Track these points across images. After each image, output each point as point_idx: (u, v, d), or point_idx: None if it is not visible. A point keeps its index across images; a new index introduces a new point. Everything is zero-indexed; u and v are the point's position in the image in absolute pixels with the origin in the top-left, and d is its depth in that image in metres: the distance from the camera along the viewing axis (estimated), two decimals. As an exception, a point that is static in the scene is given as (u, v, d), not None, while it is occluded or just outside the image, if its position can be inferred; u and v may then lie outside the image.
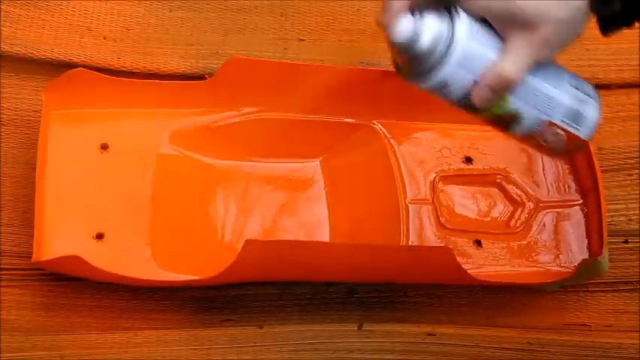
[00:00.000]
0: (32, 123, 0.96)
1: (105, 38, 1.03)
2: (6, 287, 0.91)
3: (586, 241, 1.01)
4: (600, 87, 1.06)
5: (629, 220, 1.03)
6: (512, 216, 1.02)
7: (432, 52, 0.69)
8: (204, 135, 0.98)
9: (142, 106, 0.97)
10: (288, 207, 1.00)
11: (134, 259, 0.92)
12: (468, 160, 1.04)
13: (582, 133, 0.74)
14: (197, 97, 0.97)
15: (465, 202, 1.02)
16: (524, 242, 1.01)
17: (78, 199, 0.93)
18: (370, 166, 1.02)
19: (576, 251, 1.00)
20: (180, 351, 0.91)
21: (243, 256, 0.84)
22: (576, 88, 0.74)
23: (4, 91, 0.98)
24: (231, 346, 0.92)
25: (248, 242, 0.84)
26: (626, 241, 1.02)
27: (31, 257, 0.87)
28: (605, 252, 0.94)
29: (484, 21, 0.70)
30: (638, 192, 1.04)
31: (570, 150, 0.76)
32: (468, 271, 0.92)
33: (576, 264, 0.98)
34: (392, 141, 1.03)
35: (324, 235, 0.99)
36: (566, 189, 1.03)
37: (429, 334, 0.96)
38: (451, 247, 0.97)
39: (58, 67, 0.98)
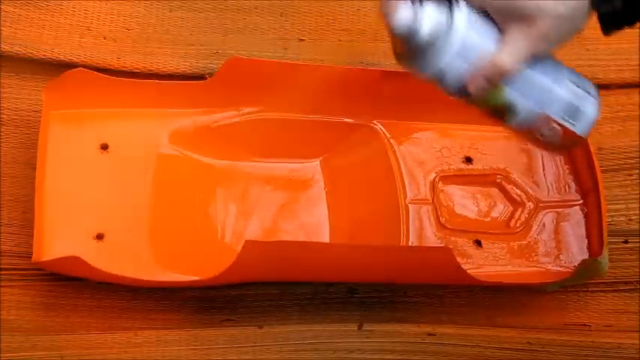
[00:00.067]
0: (32, 123, 0.97)
1: (105, 38, 1.03)
2: (6, 287, 0.91)
3: (586, 241, 1.01)
4: (600, 87, 1.06)
5: (629, 220, 1.03)
6: (512, 216, 1.02)
7: (430, 41, 0.70)
8: (205, 135, 0.98)
9: (142, 106, 0.97)
10: (288, 207, 1.00)
11: (134, 260, 0.92)
12: (468, 160, 1.04)
13: (579, 129, 0.75)
14: (197, 97, 0.97)
15: (465, 202, 1.02)
16: (524, 242, 1.01)
17: (78, 199, 0.93)
18: (370, 166, 1.02)
19: (576, 251, 1.00)
20: (180, 351, 0.91)
21: (242, 256, 0.84)
22: (575, 85, 0.74)
23: (4, 91, 0.98)
24: (231, 346, 0.92)
25: (248, 243, 0.84)
26: (626, 241, 1.02)
27: (31, 257, 0.87)
28: (605, 252, 0.94)
29: (483, 11, 0.70)
30: (638, 192, 1.04)
31: (566, 145, 0.77)
32: (468, 271, 0.92)
33: (576, 264, 0.98)
34: (392, 141, 1.03)
35: (324, 236, 0.99)
36: (566, 189, 1.03)
37: (429, 334, 0.96)
38: (451, 247, 0.97)
39: (58, 67, 0.98)
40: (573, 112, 0.74)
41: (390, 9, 0.69)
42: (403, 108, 1.02)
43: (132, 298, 0.93)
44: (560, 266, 1.00)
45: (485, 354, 0.95)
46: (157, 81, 0.98)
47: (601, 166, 1.00)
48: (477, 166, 1.04)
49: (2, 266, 0.92)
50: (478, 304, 1.00)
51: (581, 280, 1.00)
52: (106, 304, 0.93)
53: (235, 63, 0.95)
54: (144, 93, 0.96)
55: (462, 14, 0.70)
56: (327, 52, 1.06)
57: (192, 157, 0.99)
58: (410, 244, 0.98)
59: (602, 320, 1.00)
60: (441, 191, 1.02)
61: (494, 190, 1.03)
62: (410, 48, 0.71)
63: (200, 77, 1.01)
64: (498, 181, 1.03)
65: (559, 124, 0.74)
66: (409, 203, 1.00)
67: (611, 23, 0.70)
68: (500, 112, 0.74)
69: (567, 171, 1.03)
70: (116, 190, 0.94)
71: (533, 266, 1.00)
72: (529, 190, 1.02)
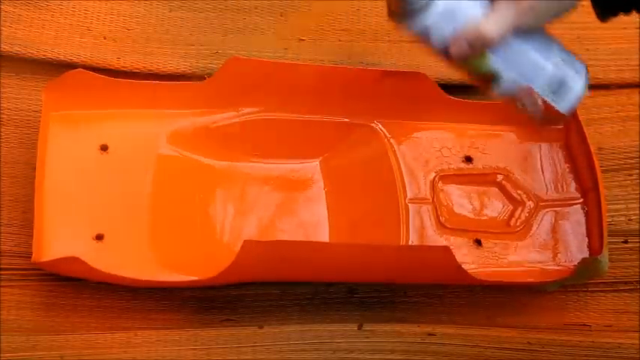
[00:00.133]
0: (32, 123, 0.97)
1: (105, 38, 1.03)
2: (6, 287, 0.91)
3: (586, 240, 1.00)
4: (600, 87, 1.08)
5: (629, 220, 1.03)
6: (512, 215, 1.02)
7: (425, 5, 0.73)
8: (204, 135, 0.98)
9: (141, 107, 0.97)
10: (288, 207, 1.00)
11: (134, 260, 0.91)
12: (468, 159, 1.04)
13: (561, 106, 0.77)
14: (196, 97, 0.97)
15: (465, 201, 1.02)
16: (524, 241, 1.00)
17: (77, 200, 0.93)
18: (370, 165, 1.02)
19: (576, 250, 1.00)
20: (180, 351, 0.91)
21: (241, 256, 0.84)
22: (563, 62, 0.76)
23: (4, 91, 0.98)
24: (231, 346, 0.92)
25: (246, 243, 0.84)
26: (626, 241, 1.02)
27: (31, 257, 0.87)
28: (605, 251, 0.94)
29: None
30: (638, 192, 1.04)
31: (548, 120, 0.79)
32: (468, 270, 0.92)
33: (576, 263, 0.98)
34: (392, 141, 1.02)
35: (323, 235, 0.99)
36: (567, 188, 1.03)
37: (429, 334, 0.95)
38: (451, 246, 0.97)
39: (58, 67, 0.98)
40: (557, 87, 0.76)
41: None
42: (403, 108, 1.02)
43: (132, 298, 0.93)
44: (561, 265, 1.00)
45: (485, 354, 0.95)
46: (156, 82, 0.98)
47: (601, 166, 1.00)
48: (477, 165, 1.04)
49: (2, 266, 0.92)
50: (478, 304, 1.00)
51: (582, 280, 1.00)
52: (106, 304, 0.93)
53: (235, 63, 0.95)
54: (143, 94, 0.96)
55: None
56: (327, 52, 1.06)
57: (192, 157, 0.99)
58: (410, 243, 0.98)
59: (602, 320, 1.00)
60: (441, 191, 1.02)
61: (495, 190, 1.03)
62: (403, 6, 0.73)
63: (200, 77, 1.01)
64: (498, 180, 1.03)
65: (542, 99, 0.76)
66: (409, 203, 1.00)
67: (606, 9, 0.71)
68: (484, 79, 0.77)
69: (567, 170, 1.03)
70: (116, 191, 0.94)
71: (534, 265, 0.99)
72: (529, 189, 1.02)
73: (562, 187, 1.03)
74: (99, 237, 0.92)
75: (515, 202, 1.02)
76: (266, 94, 0.98)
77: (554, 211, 1.02)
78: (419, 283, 0.99)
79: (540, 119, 0.78)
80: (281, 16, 1.07)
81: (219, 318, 0.95)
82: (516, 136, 1.05)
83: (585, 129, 1.00)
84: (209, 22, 1.06)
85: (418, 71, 0.99)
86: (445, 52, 0.75)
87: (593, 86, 0.97)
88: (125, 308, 0.93)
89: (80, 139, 0.95)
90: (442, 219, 1.00)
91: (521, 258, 0.99)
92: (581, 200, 1.02)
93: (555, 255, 1.00)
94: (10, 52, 0.99)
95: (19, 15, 1.01)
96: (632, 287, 1.01)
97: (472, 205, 1.02)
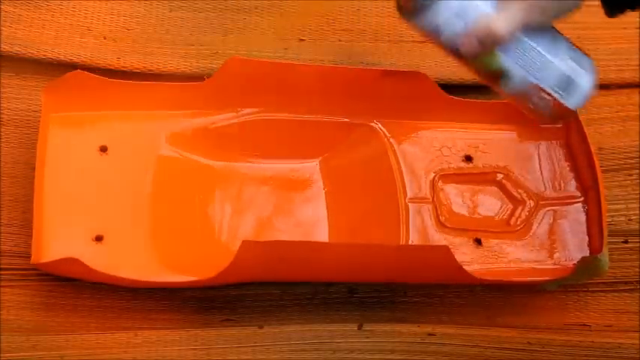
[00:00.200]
0: (32, 123, 0.97)
1: (105, 38, 1.03)
2: (6, 287, 0.91)
3: (586, 239, 1.00)
4: (600, 87, 1.08)
5: (629, 220, 1.03)
6: (512, 214, 1.02)
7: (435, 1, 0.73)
8: (204, 136, 0.98)
9: (141, 108, 0.97)
10: (287, 207, 1.00)
11: (134, 262, 0.91)
12: (468, 158, 1.04)
13: (570, 102, 0.77)
14: (196, 98, 0.97)
15: (465, 200, 1.02)
16: (524, 240, 1.00)
17: (77, 201, 0.93)
18: (370, 165, 1.02)
19: (576, 249, 1.00)
20: (181, 351, 0.91)
21: (240, 256, 0.84)
22: (572, 59, 0.77)
23: (4, 91, 0.98)
24: (231, 346, 0.92)
25: (245, 243, 0.84)
26: (626, 241, 1.02)
27: (30, 257, 0.87)
28: (606, 250, 0.94)
29: None
30: (638, 192, 1.04)
31: (557, 117, 0.80)
32: (468, 269, 0.92)
33: (576, 262, 0.98)
34: (392, 140, 1.02)
35: (323, 235, 0.99)
36: (567, 187, 1.03)
37: (429, 334, 0.95)
38: (451, 246, 0.97)
39: (59, 67, 0.98)
40: (566, 85, 0.76)
41: None
42: (403, 107, 1.01)
43: (132, 298, 0.93)
44: (561, 264, 0.99)
45: (485, 354, 0.95)
46: (155, 83, 0.98)
47: (601, 166, 1.00)
48: (477, 164, 1.03)
49: (2, 266, 0.92)
50: (478, 304, 1.00)
51: (582, 279, 1.00)
52: (106, 304, 0.93)
53: (234, 63, 0.95)
54: (142, 95, 0.96)
55: None
56: (327, 52, 1.06)
57: (192, 158, 0.99)
58: (410, 243, 0.98)
59: (602, 320, 1.00)
60: (440, 190, 1.02)
61: (495, 189, 1.03)
62: (413, 2, 0.73)
63: (200, 77, 1.00)
64: (498, 179, 1.03)
65: (550, 95, 0.76)
66: (409, 202, 1.00)
67: (614, 5, 0.71)
68: (494, 77, 0.77)
69: (567, 169, 1.03)
70: (115, 192, 0.94)
71: (534, 264, 0.99)
72: (529, 188, 1.02)
73: (562, 185, 1.03)
74: (98, 238, 0.92)
75: (516, 201, 1.02)
76: (266, 95, 0.98)
77: (554, 210, 1.02)
78: (419, 283, 0.99)
79: (549, 116, 0.79)
80: (281, 16, 1.07)
81: (219, 318, 0.95)
82: (516, 135, 1.05)
83: (585, 129, 1.00)
84: (209, 22, 1.06)
85: (418, 71, 0.99)
86: (455, 49, 0.75)
87: (594, 86, 0.98)
88: (125, 308, 0.93)
89: (79, 140, 0.95)
90: (442, 218, 1.00)
91: (522, 257, 0.99)
92: (581, 199, 1.02)
93: (555, 254, 1.00)
94: (10, 52, 0.99)
95: (19, 15, 1.01)
96: (632, 287, 1.01)
97: (472, 204, 1.02)
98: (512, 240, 1.00)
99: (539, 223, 1.01)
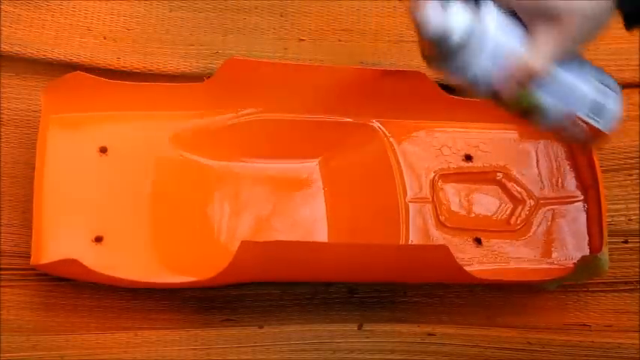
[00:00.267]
0: (32, 123, 0.97)
1: (105, 38, 1.03)
2: (6, 287, 0.91)
3: (586, 238, 1.01)
4: (600, 87, 1.07)
5: (629, 220, 1.03)
6: (512, 213, 1.02)
7: (462, 44, 0.69)
8: (203, 137, 0.99)
9: (141, 109, 0.97)
10: (287, 207, 1.00)
11: (133, 262, 0.92)
12: (468, 158, 1.04)
13: (603, 125, 0.76)
14: (195, 99, 0.97)
15: (465, 200, 1.02)
16: (524, 240, 1.01)
17: (77, 202, 0.93)
18: (370, 165, 1.02)
19: (576, 249, 1.00)
20: (181, 351, 0.91)
21: (239, 257, 0.84)
22: (599, 82, 0.75)
23: (4, 91, 0.99)
24: (231, 346, 0.92)
25: (244, 243, 0.85)
26: (626, 241, 1.02)
27: (30, 258, 0.87)
28: (606, 249, 0.94)
29: (508, 10, 0.71)
30: (638, 192, 1.04)
31: (591, 141, 0.77)
32: (468, 269, 0.92)
33: (576, 261, 0.98)
34: (391, 140, 1.02)
35: (322, 235, 0.99)
36: (566, 186, 1.03)
37: (429, 334, 0.95)
38: (451, 245, 0.97)
39: (59, 67, 0.99)
40: (598, 109, 0.75)
41: (421, 13, 0.68)
42: (403, 107, 1.02)
43: (132, 299, 0.93)
44: (561, 263, 1.00)
45: (486, 354, 0.95)
46: (155, 84, 0.98)
47: (601, 166, 1.00)
48: (477, 163, 1.04)
49: (2, 266, 0.92)
50: (478, 304, 1.00)
51: (582, 279, 1.00)
52: (105, 304, 0.93)
53: (234, 64, 0.95)
54: (142, 96, 0.96)
55: (492, 16, 0.70)
56: (327, 52, 1.06)
57: (191, 158, 0.99)
58: (410, 243, 0.98)
59: (602, 320, 1.00)
60: (440, 189, 1.02)
61: (495, 188, 1.03)
62: (440, 51, 0.70)
63: (200, 77, 1.00)
64: (498, 178, 1.03)
65: (585, 122, 0.75)
66: (409, 202, 1.00)
67: (634, 21, 0.71)
68: (529, 113, 0.74)
69: (568, 168, 1.03)
70: (115, 193, 0.94)
71: (534, 264, 1.00)
72: (529, 187, 1.02)
73: (562, 185, 1.03)
74: (98, 239, 0.92)
75: (516, 201, 1.02)
76: (265, 95, 0.98)
77: (554, 209, 1.02)
78: (419, 282, 0.99)
79: (584, 141, 0.77)
80: (281, 16, 1.07)
81: (219, 318, 0.95)
82: (516, 134, 1.05)
83: (585, 129, 1.00)
84: (209, 22, 1.06)
85: (418, 71, 0.99)
86: (491, 93, 0.72)
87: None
88: (125, 308, 0.93)
89: (79, 141, 0.95)
90: (442, 218, 1.00)
91: (522, 256, 1.00)
92: (581, 198, 1.02)
93: (555, 253, 1.00)
94: (10, 52, 0.99)
95: (19, 15, 1.01)
96: (632, 287, 1.01)
97: (472, 203, 1.02)
98: (512, 239, 1.00)
99: (539, 223, 1.01)
